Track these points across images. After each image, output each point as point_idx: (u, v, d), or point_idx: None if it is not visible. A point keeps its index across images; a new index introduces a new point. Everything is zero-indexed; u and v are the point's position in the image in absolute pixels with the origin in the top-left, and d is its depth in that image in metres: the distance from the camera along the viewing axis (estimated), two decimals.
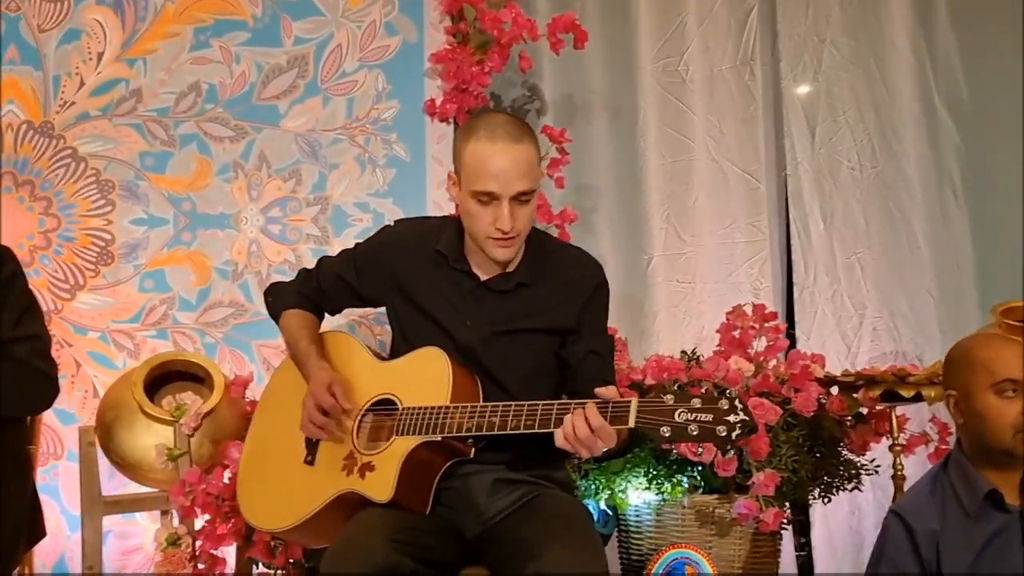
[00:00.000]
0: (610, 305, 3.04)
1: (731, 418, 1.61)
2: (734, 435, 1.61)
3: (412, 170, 3.16)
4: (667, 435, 1.65)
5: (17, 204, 3.06)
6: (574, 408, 1.73)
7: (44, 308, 3.02)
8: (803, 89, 3.43)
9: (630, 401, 1.69)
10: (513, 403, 1.81)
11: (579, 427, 1.70)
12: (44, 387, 2.14)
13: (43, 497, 2.85)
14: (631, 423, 1.67)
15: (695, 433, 1.63)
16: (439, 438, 1.84)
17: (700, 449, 2.48)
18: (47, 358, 2.16)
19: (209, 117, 3.12)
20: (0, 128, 3.04)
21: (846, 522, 3.36)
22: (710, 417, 1.62)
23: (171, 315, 3.07)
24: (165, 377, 2.65)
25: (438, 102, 3.10)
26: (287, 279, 2.26)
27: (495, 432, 1.80)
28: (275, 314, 2.17)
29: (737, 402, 1.63)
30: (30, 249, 3.05)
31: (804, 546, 3.35)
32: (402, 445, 1.86)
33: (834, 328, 3.40)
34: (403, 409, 1.91)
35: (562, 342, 2.00)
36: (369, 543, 1.73)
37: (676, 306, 3.40)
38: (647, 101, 3.38)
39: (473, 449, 1.90)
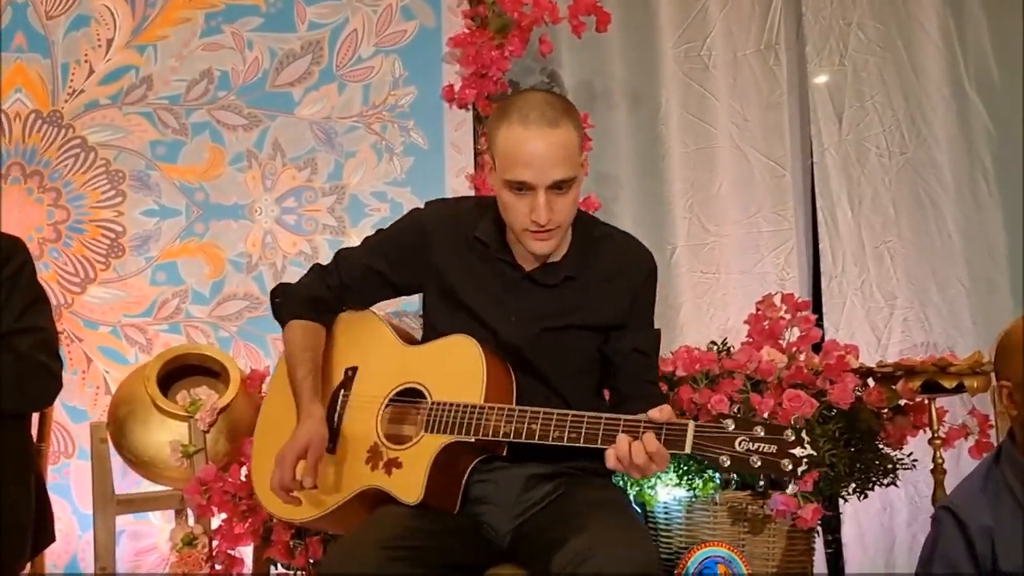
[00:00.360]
0: None
1: (797, 451, 1.53)
2: (800, 471, 1.53)
3: (430, 158, 3.08)
4: (727, 465, 1.56)
5: (26, 195, 2.99)
6: (624, 423, 1.63)
7: (53, 302, 2.94)
8: (829, 74, 3.36)
9: (687, 424, 1.59)
10: (555, 411, 1.70)
11: (635, 451, 1.60)
12: (45, 382, 2.05)
13: (54, 497, 2.78)
14: (687, 449, 1.58)
15: (757, 465, 1.54)
16: (472, 440, 1.74)
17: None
18: (51, 352, 2.08)
19: (222, 105, 3.05)
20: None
21: (877, 519, 3.29)
22: (774, 449, 1.54)
23: (184, 308, 2.99)
24: (179, 372, 2.57)
25: (457, 88, 3.02)
26: (301, 272, 2.09)
27: (534, 441, 1.70)
28: (281, 320, 1.99)
29: (804, 434, 1.54)
30: (39, 241, 2.98)
31: (832, 543, 3.27)
32: (431, 444, 1.76)
33: (863, 319, 3.33)
34: (433, 404, 1.80)
35: (606, 337, 1.89)
36: (363, 553, 1.64)
37: (700, 297, 3.34)
38: (669, 88, 3.33)
39: (507, 448, 1.79)
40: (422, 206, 1.98)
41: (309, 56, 3.09)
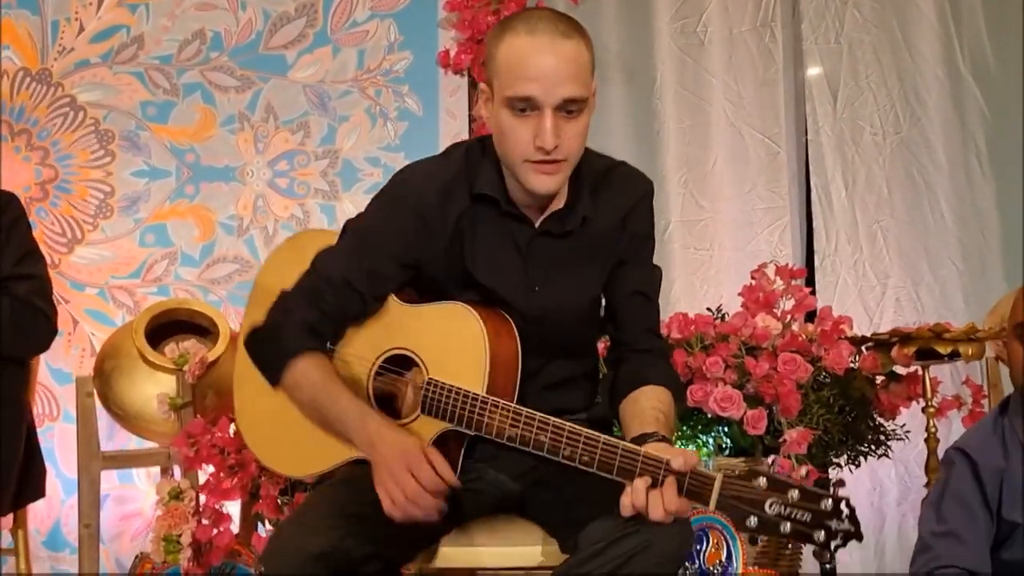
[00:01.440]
0: None
1: (833, 524, 1.37)
2: (833, 544, 1.37)
3: (425, 123, 3.07)
4: (753, 526, 1.39)
5: (13, 154, 2.97)
6: (643, 461, 1.43)
7: None
8: (825, 52, 3.35)
9: (714, 478, 1.41)
10: (567, 426, 1.51)
11: (653, 509, 1.42)
12: (42, 326, 2.11)
13: None
14: (711, 507, 1.42)
15: (787, 532, 1.38)
16: (471, 433, 1.59)
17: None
18: (47, 299, 2.15)
19: (214, 66, 3.02)
20: None
21: (867, 499, 3.28)
22: (807, 517, 1.37)
23: (173, 271, 2.98)
24: (167, 328, 2.54)
25: (452, 53, 3.00)
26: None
27: (542, 453, 1.52)
28: (278, 372, 1.59)
29: (844, 505, 1.38)
30: (26, 200, 2.95)
31: None
32: (428, 427, 1.60)
33: (856, 298, 3.33)
34: (430, 382, 1.60)
35: (609, 277, 1.70)
36: (319, 524, 1.50)
37: (694, 273, 3.33)
38: (664, 63, 3.32)
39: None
40: (402, 173, 1.67)
41: (303, 19, 3.07)
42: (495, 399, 1.55)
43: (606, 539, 1.51)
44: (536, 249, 1.62)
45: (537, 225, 1.62)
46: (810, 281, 3.31)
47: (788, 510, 1.38)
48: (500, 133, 1.56)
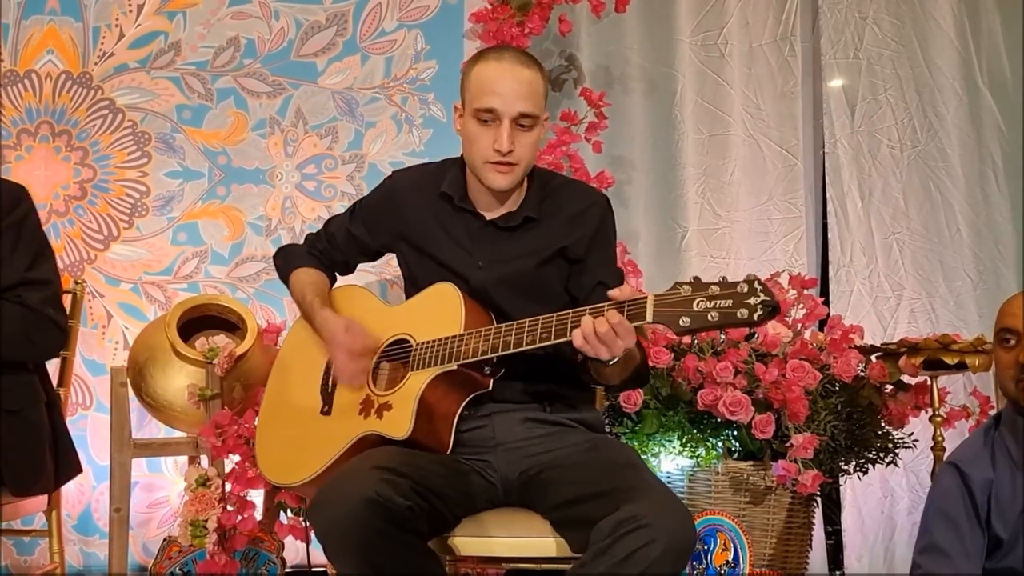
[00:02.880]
0: (642, 278, 3.03)
1: (751, 300, 1.55)
2: (756, 316, 1.55)
3: (448, 130, 3.11)
4: (686, 325, 1.58)
5: (53, 154, 3.07)
6: (590, 310, 1.69)
7: (77, 258, 3.03)
8: (844, 66, 3.40)
9: (646, 297, 1.64)
10: (527, 320, 1.76)
11: (598, 324, 1.65)
12: (52, 336, 2.12)
13: None
14: (649, 318, 1.61)
15: (715, 319, 1.57)
16: (455, 366, 1.81)
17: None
18: (59, 306, 2.16)
19: (247, 72, 3.12)
20: None
21: (878, 507, 3.30)
22: (729, 303, 1.56)
23: (203, 268, 3.06)
24: (198, 323, 2.63)
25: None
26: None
27: (511, 350, 1.76)
28: (285, 275, 2.13)
29: (756, 284, 1.57)
30: (65, 199, 3.05)
31: (832, 535, 3.30)
32: (418, 380, 1.82)
33: (870, 309, 3.36)
34: (417, 344, 1.88)
35: (570, 274, 1.96)
36: (363, 474, 1.67)
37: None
38: (685, 75, 3.36)
39: (492, 380, 1.85)
40: (391, 174, 2.12)
41: (334, 28, 3.15)
42: (468, 331, 1.81)
43: (612, 536, 1.60)
44: (483, 237, 1.95)
45: (487, 219, 1.95)
46: (824, 292, 3.35)
47: (712, 302, 1.57)
48: (467, 139, 1.92)
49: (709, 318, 1.57)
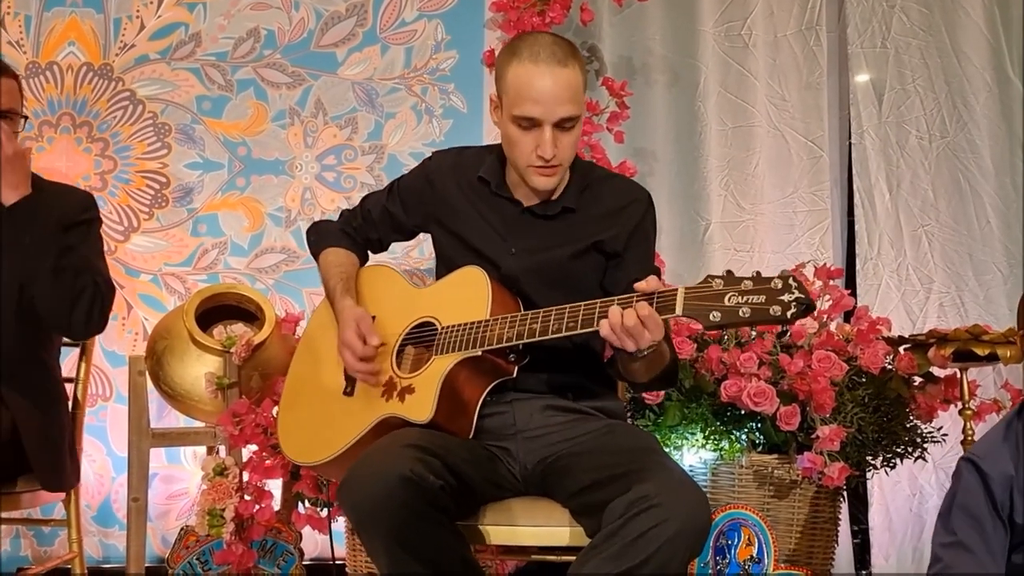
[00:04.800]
0: (664, 271, 2.99)
1: (785, 297, 1.50)
2: (789, 314, 1.50)
3: (469, 121, 3.12)
4: (717, 320, 1.53)
5: (74, 145, 3.07)
6: (618, 300, 1.64)
7: None
8: (871, 56, 3.35)
9: (676, 289, 1.59)
10: (554, 308, 1.73)
11: (627, 316, 1.60)
12: (100, 318, 2.14)
13: (89, 439, 2.85)
14: (679, 311, 1.57)
15: (747, 315, 1.52)
16: (479, 352, 1.78)
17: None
18: (111, 299, 2.20)
19: (267, 63, 3.11)
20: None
21: (906, 504, 3.25)
22: (763, 298, 1.51)
23: (223, 259, 3.06)
24: (216, 313, 2.62)
25: (497, 53, 3.04)
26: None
27: (537, 339, 1.73)
28: (316, 252, 2.11)
29: (791, 280, 1.51)
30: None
31: (858, 534, 3.24)
32: (441, 364, 1.80)
33: (898, 302, 3.31)
34: (442, 328, 1.85)
35: (606, 268, 1.92)
36: (396, 452, 1.65)
37: None
38: (708, 65, 3.33)
39: (516, 368, 1.82)
40: (431, 155, 2.09)
41: (354, 18, 3.14)
42: (494, 317, 1.78)
43: (624, 516, 1.58)
44: (519, 223, 1.93)
45: (524, 206, 1.93)
46: (851, 285, 3.30)
47: (744, 297, 1.52)
48: (508, 142, 1.88)
49: (740, 313, 1.52)
